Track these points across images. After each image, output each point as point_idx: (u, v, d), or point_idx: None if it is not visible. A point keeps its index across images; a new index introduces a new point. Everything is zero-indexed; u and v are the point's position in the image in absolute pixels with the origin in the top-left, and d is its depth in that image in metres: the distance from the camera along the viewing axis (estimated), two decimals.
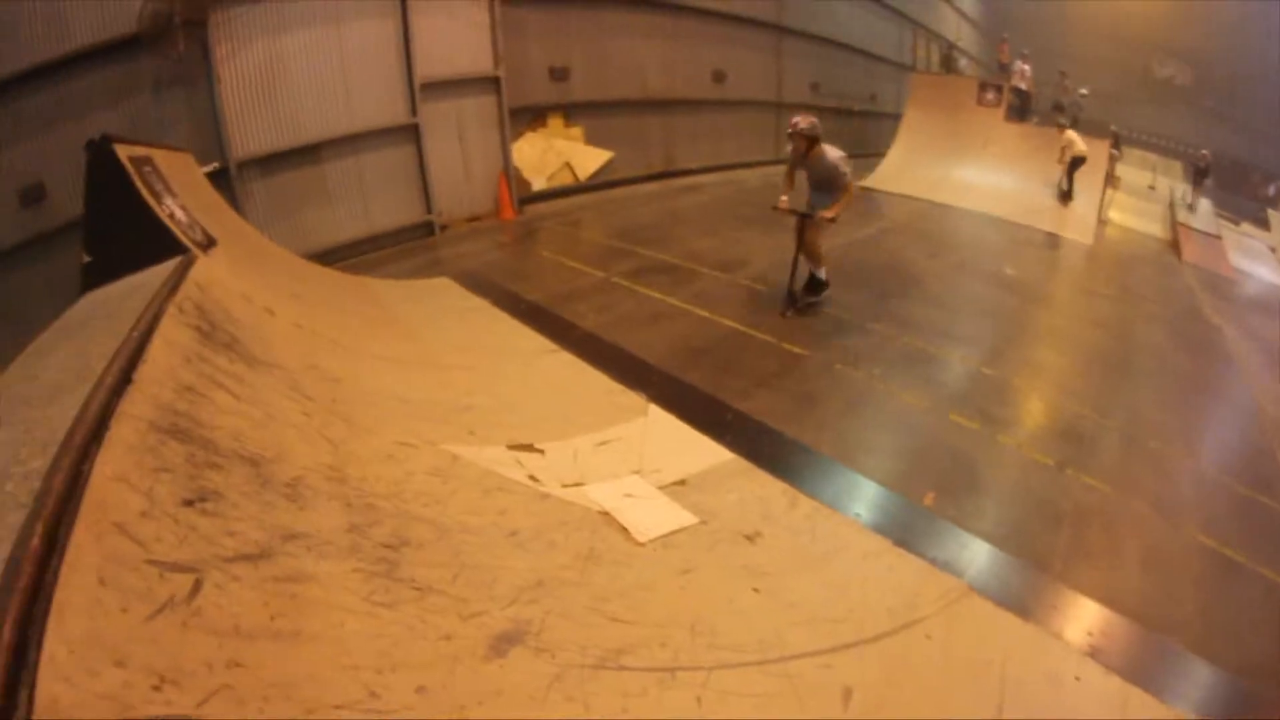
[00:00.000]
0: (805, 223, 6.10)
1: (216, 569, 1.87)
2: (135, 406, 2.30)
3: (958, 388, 5.31)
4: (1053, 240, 11.19)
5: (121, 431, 2.13)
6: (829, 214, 5.82)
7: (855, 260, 8.49)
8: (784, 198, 6.20)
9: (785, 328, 5.99)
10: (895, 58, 18.78)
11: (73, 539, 1.67)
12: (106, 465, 1.95)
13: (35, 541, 1.61)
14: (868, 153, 15.43)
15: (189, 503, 2.05)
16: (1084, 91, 17.65)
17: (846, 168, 5.92)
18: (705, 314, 6.28)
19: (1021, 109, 14.95)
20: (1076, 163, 12.59)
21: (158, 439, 2.23)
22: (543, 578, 2.65)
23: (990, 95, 13.97)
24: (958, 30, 22.58)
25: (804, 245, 6.20)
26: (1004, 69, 18.63)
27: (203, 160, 7.26)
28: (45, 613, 1.48)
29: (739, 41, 13.83)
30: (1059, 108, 17.46)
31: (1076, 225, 11.65)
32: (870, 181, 13.52)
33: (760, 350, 5.65)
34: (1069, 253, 10.69)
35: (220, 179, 7.60)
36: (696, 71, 13.23)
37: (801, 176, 6.26)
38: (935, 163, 13.66)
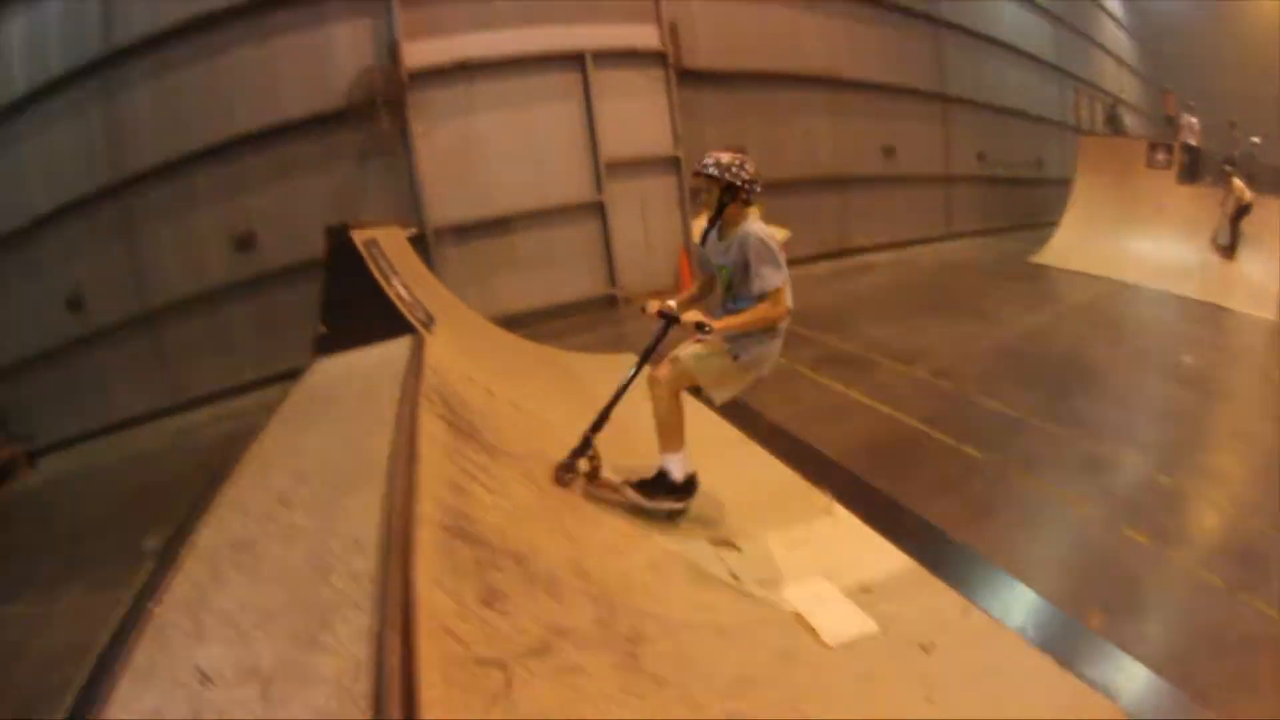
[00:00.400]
0: (664, 333, 3.81)
1: (518, 664, 2.23)
2: (427, 509, 2.74)
3: (1132, 498, 5.18)
4: (1232, 317, 10.50)
5: (423, 536, 2.54)
6: (715, 323, 3.56)
7: (1031, 351, 8.35)
8: (670, 301, 3.81)
9: (961, 425, 5.86)
10: (1059, 118, 18.18)
11: (417, 643, 2.01)
12: (423, 570, 2.34)
13: (396, 648, 1.96)
14: (1038, 223, 14.90)
15: (486, 603, 2.45)
16: (1256, 140, 16.37)
17: (774, 262, 3.57)
18: (887, 410, 6.34)
19: (1193, 167, 14.14)
20: (1242, 211, 11.78)
21: (449, 542, 2.65)
22: (748, 674, 2.91)
23: (1160, 156, 13.21)
24: (1119, 82, 21.59)
25: (649, 384, 3.80)
26: (1170, 122, 17.67)
27: (402, 226, 8.13)
28: (415, 711, 1.79)
29: (906, 114, 13.84)
30: (1229, 161, 16.33)
31: (1256, 297, 10.82)
32: (1042, 257, 13.04)
33: (939, 452, 5.69)
34: (1249, 332, 9.99)
35: (418, 244, 8.46)
36: (866, 147, 13.29)
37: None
38: (1108, 234, 13.01)
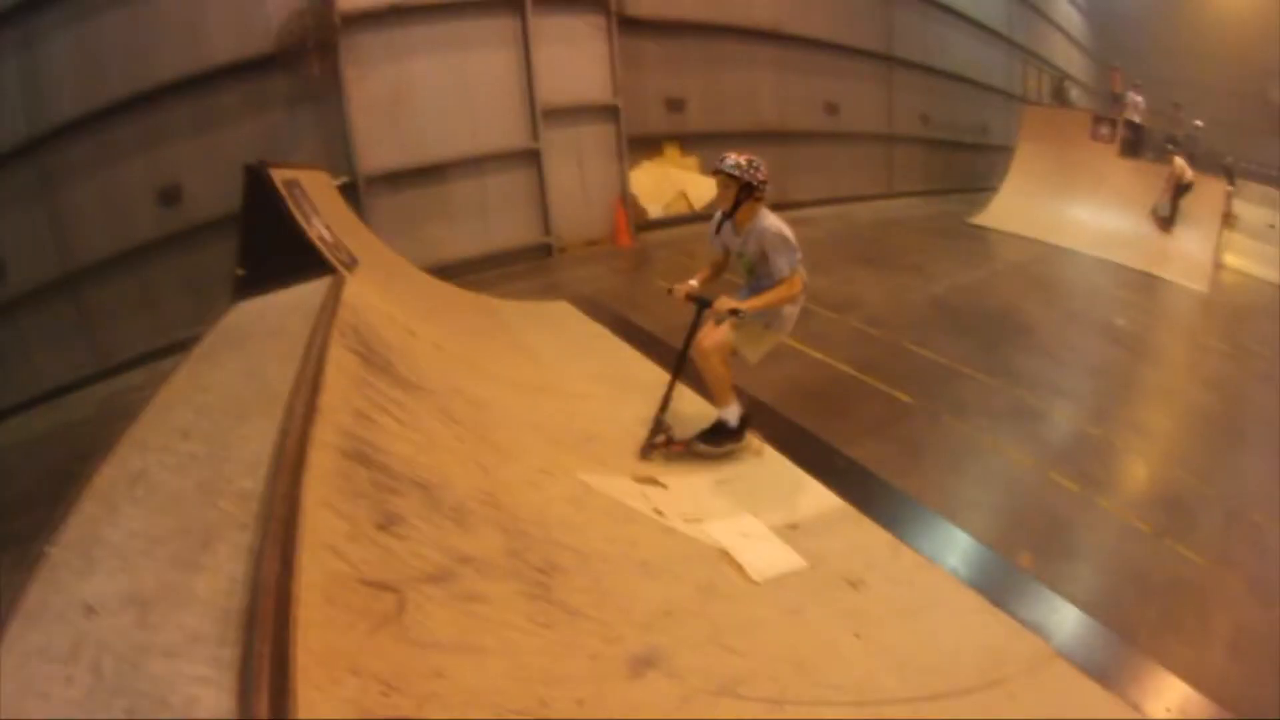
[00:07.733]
0: (703, 316, 4.22)
1: (413, 589, 2.06)
2: (325, 434, 2.47)
3: (1061, 446, 5.24)
4: (1165, 286, 10.72)
5: (318, 458, 2.31)
6: (740, 305, 3.95)
7: (965, 305, 8.40)
8: (692, 282, 4.26)
9: (892, 372, 5.84)
10: (1006, 88, 18.20)
11: (299, 561, 1.84)
12: (312, 491, 2.13)
13: (274, 565, 1.79)
14: (980, 187, 15.12)
15: (381, 526, 2.23)
16: (1198, 124, 16.60)
17: (790, 252, 4.02)
18: (819, 356, 6.26)
19: (1135, 143, 14.33)
20: (1183, 189, 12.10)
21: (348, 465, 2.42)
22: (670, 607, 2.80)
23: (1104, 130, 13.33)
24: (1069, 57, 21.84)
25: (697, 355, 4.24)
26: (1116, 100, 17.84)
27: (332, 174, 7.59)
28: (291, 629, 1.65)
29: (851, 73, 13.67)
30: (1172, 141, 16.58)
31: (1190, 270, 11.09)
32: (982, 219, 13.20)
33: (869, 396, 5.64)
34: (1182, 301, 10.29)
35: (348, 192, 7.91)
36: (809, 103, 13.11)
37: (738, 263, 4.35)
38: (1048, 201, 13.13)
